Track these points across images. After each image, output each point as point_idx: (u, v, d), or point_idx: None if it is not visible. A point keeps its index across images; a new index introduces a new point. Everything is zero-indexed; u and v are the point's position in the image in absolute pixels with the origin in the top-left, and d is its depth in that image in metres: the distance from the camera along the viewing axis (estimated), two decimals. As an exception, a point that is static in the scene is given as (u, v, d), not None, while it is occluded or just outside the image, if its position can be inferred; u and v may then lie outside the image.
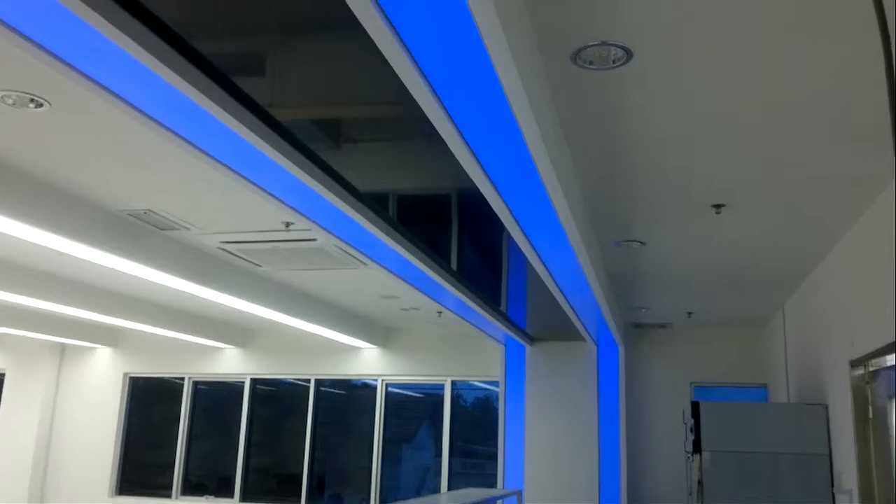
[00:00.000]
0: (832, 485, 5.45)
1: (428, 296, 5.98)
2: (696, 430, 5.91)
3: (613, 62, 2.67)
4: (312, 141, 3.04)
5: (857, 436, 4.76)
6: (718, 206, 4.30)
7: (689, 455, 6.40)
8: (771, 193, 4.06)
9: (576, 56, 2.63)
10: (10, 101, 3.34)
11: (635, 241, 5.12)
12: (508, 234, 3.93)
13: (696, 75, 2.77)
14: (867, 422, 4.70)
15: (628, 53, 2.61)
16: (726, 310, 7.72)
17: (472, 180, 3.08)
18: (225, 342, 10.35)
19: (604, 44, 2.55)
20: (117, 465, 10.80)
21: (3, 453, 10.78)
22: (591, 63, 2.67)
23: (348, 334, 9.15)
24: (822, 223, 4.59)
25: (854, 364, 4.75)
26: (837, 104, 2.97)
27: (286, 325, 8.86)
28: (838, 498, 5.33)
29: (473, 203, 3.90)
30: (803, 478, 5.57)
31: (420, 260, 4.54)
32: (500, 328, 7.48)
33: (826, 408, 5.57)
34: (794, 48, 2.57)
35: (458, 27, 1.90)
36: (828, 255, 5.32)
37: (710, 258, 5.56)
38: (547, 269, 4.70)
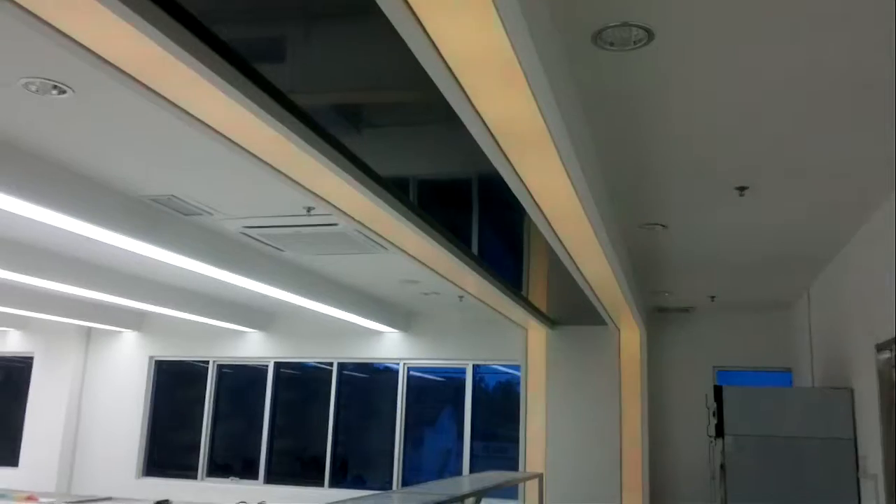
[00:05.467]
0: (857, 469, 5.41)
1: (448, 280, 5.98)
2: (719, 414, 5.88)
3: (635, 43, 2.64)
4: (333, 126, 3.05)
5: (883, 420, 4.71)
6: (742, 189, 4.25)
7: (712, 439, 6.38)
8: (795, 175, 4.01)
9: (596, 37, 2.60)
10: (34, 89, 3.37)
11: (657, 224, 5.08)
12: (529, 217, 3.92)
13: (719, 56, 2.73)
14: (893, 406, 4.65)
15: (650, 34, 2.58)
16: (750, 293, 7.65)
17: (492, 164, 3.07)
18: (248, 326, 10.45)
19: (625, 24, 2.53)
20: (144, 447, 10.97)
21: (32, 435, 11.00)
22: (611, 44, 2.65)
23: (370, 318, 9.19)
24: (848, 204, 4.53)
25: (880, 348, 4.70)
26: (863, 86, 2.92)
27: (309, 310, 8.92)
28: (863, 483, 5.28)
29: (494, 187, 3.89)
30: (827, 462, 5.53)
31: (441, 244, 4.55)
32: (521, 312, 7.48)
33: (851, 392, 5.52)
34: (819, 31, 2.52)
35: (478, 8, 1.89)
36: (853, 236, 5.25)
37: (733, 241, 5.50)
38: (568, 252, 4.68)
